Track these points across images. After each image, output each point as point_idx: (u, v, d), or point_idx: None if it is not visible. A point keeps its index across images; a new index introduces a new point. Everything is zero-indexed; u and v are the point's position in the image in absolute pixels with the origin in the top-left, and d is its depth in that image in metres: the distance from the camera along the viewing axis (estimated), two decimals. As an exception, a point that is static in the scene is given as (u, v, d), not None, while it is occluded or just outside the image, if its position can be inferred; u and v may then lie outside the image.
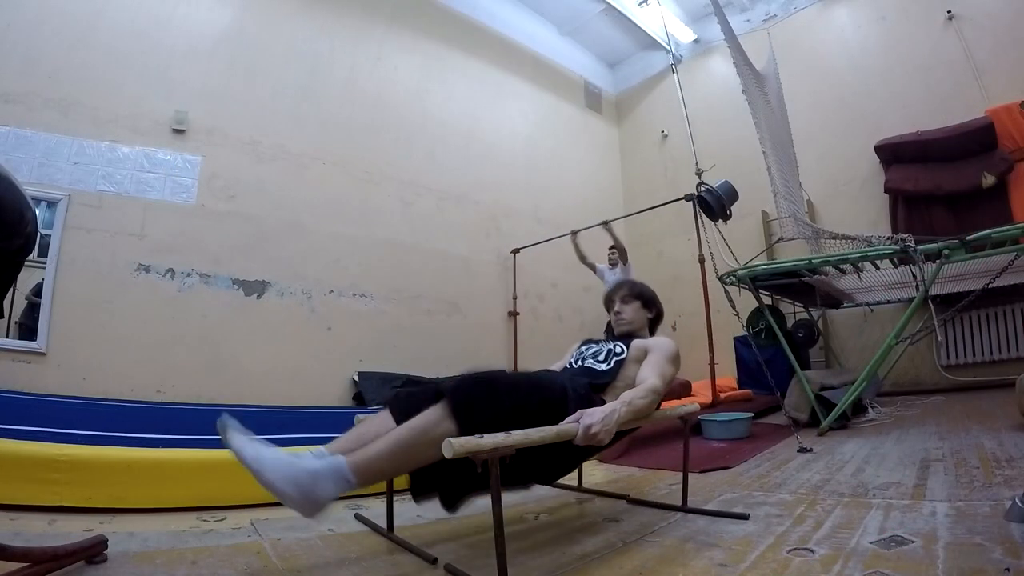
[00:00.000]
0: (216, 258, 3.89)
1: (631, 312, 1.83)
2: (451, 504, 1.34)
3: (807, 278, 3.39)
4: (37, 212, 3.17)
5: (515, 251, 5.45)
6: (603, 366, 1.63)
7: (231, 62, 4.17)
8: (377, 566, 1.19)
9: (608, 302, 1.92)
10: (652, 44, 6.75)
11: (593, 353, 1.71)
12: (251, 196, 4.12)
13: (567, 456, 1.42)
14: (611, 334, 1.90)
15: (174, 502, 1.55)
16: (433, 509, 1.74)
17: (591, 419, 1.18)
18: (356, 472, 1.11)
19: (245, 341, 3.91)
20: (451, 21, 5.69)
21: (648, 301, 1.88)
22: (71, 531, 1.27)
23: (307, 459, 1.11)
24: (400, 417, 1.22)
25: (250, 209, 4.10)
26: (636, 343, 1.69)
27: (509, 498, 1.68)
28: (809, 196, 4.95)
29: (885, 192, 4.77)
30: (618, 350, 1.67)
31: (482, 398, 1.14)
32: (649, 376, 1.51)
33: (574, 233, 4.98)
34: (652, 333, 1.86)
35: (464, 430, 1.07)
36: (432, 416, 1.12)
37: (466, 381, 1.18)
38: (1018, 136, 4.15)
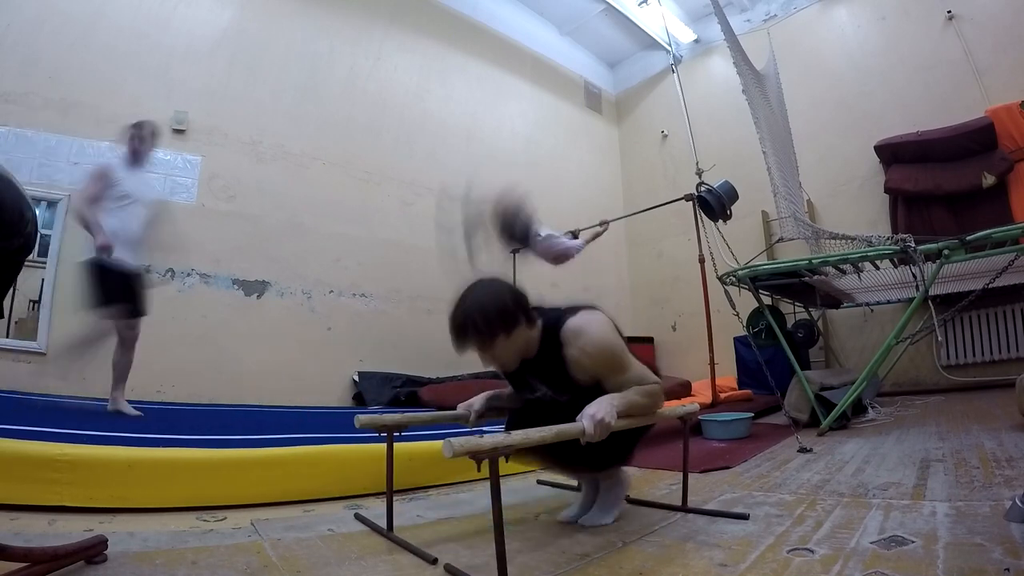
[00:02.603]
0: (216, 258, 3.89)
1: (502, 354, 1.32)
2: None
3: (807, 278, 3.39)
4: (37, 212, 3.18)
5: (515, 251, 5.44)
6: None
7: (231, 62, 4.17)
8: (377, 566, 1.19)
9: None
10: (652, 44, 6.76)
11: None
12: (251, 196, 4.12)
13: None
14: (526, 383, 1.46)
15: (174, 502, 1.55)
16: (433, 509, 1.75)
17: (592, 409, 1.20)
18: None
19: (245, 341, 3.91)
20: (451, 21, 5.69)
21: (492, 322, 1.25)
22: (71, 531, 1.27)
23: None
24: None
25: (250, 209, 4.10)
26: (572, 369, 1.33)
27: (509, 498, 1.68)
28: (809, 196, 4.95)
29: (885, 192, 4.77)
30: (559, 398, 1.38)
31: None
32: (623, 386, 1.33)
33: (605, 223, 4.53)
34: (532, 325, 1.35)
35: None
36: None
37: None
38: (1018, 136, 4.15)
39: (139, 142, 2.77)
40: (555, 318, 1.37)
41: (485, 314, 1.25)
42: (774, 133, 3.96)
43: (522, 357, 1.37)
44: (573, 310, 1.39)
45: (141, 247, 2.76)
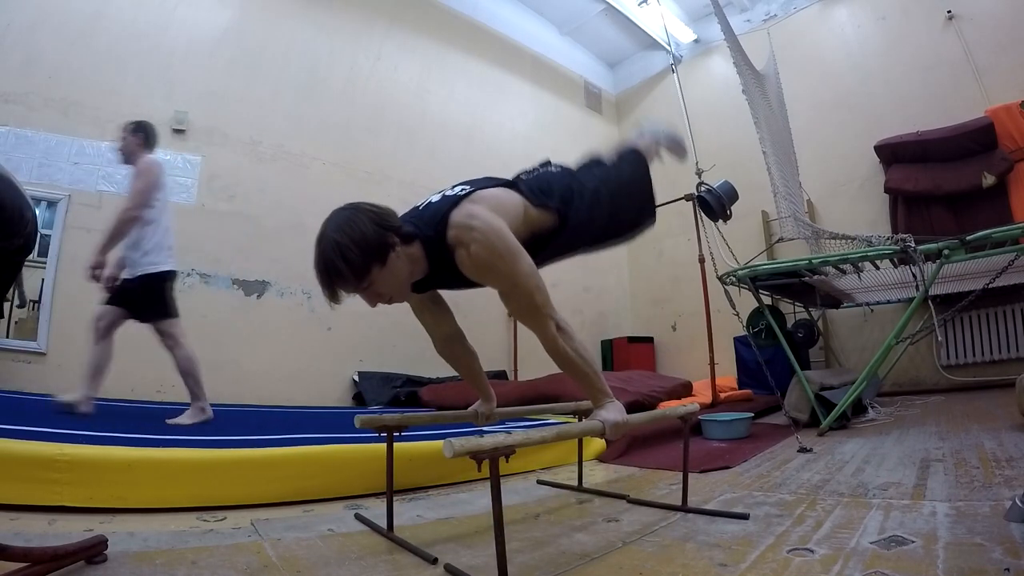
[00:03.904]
0: (216, 258, 3.90)
1: (385, 289, 1.15)
2: None
3: (807, 278, 3.39)
4: (37, 212, 3.18)
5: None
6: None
7: (231, 62, 4.18)
8: (377, 566, 1.19)
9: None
10: (652, 44, 6.76)
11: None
12: (251, 196, 4.12)
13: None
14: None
15: (174, 502, 1.55)
16: (433, 509, 1.75)
17: (612, 419, 1.21)
18: None
19: (245, 341, 3.91)
20: (451, 21, 5.69)
21: (356, 258, 1.07)
22: (71, 531, 1.27)
23: None
24: None
25: (250, 209, 4.10)
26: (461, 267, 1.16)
27: (509, 498, 1.68)
28: (809, 196, 4.95)
29: (885, 192, 4.77)
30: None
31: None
32: (527, 323, 1.22)
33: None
34: (409, 241, 1.15)
35: None
36: None
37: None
38: (1018, 136, 4.15)
39: (135, 143, 2.70)
40: (437, 218, 1.16)
41: (344, 251, 1.05)
42: (774, 133, 3.96)
43: (412, 280, 1.21)
44: (450, 200, 1.18)
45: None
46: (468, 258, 1.13)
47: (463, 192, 1.21)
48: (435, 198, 1.25)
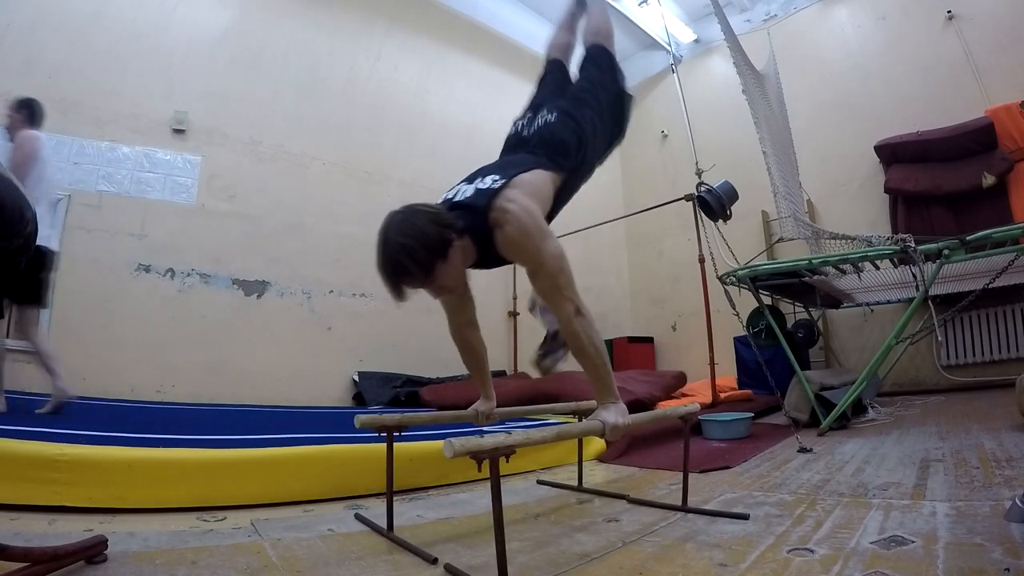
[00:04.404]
0: (216, 258, 3.90)
1: (447, 281, 1.25)
2: None
3: (807, 278, 3.39)
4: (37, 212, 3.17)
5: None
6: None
7: (231, 62, 4.18)
8: (377, 566, 1.19)
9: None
10: (652, 44, 6.75)
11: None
12: (251, 196, 4.12)
13: None
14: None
15: (174, 502, 1.54)
16: (433, 509, 1.75)
17: (612, 420, 1.23)
18: None
19: (245, 341, 3.91)
20: (451, 21, 5.69)
21: (423, 258, 1.16)
22: (71, 531, 1.27)
23: None
24: None
25: (250, 209, 4.10)
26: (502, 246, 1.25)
27: (509, 498, 1.68)
28: (809, 196, 4.95)
29: (885, 192, 4.77)
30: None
31: None
32: (548, 300, 1.28)
33: None
34: (461, 235, 1.23)
35: None
36: None
37: None
38: (1018, 136, 4.15)
39: (19, 119, 2.61)
40: (481, 207, 1.25)
41: (411, 252, 1.15)
42: (774, 133, 3.96)
43: (466, 267, 1.32)
44: (489, 192, 1.25)
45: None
46: (503, 237, 1.24)
47: (499, 183, 1.28)
48: (467, 189, 1.32)
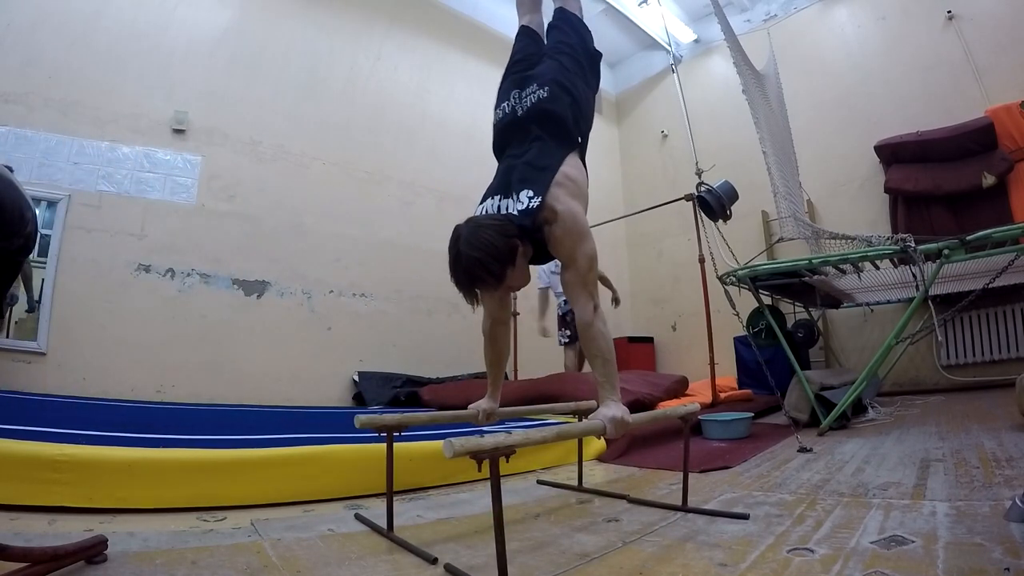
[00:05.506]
0: (216, 258, 3.90)
1: (516, 283, 1.38)
2: None
3: (807, 278, 3.39)
4: (37, 212, 3.18)
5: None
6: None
7: (231, 62, 4.18)
8: (377, 566, 1.19)
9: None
10: (652, 44, 6.75)
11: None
12: (251, 196, 4.12)
13: None
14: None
15: (174, 502, 1.54)
16: (433, 509, 1.75)
17: (611, 415, 1.28)
18: None
19: (245, 341, 3.91)
20: (451, 21, 5.69)
21: (495, 267, 1.27)
22: (71, 531, 1.27)
23: None
24: None
25: (250, 209, 4.10)
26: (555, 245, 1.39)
27: (509, 498, 1.68)
28: (809, 196, 4.95)
29: (885, 192, 4.77)
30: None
31: None
32: (573, 294, 1.40)
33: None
34: (523, 241, 1.35)
35: None
36: None
37: None
38: (1018, 136, 4.15)
39: None
40: (532, 212, 1.36)
41: (487, 265, 1.27)
42: (774, 133, 3.96)
43: (521, 281, 1.43)
44: (537, 199, 1.36)
45: None
46: (551, 233, 1.38)
47: (535, 202, 1.36)
48: (512, 205, 1.40)
